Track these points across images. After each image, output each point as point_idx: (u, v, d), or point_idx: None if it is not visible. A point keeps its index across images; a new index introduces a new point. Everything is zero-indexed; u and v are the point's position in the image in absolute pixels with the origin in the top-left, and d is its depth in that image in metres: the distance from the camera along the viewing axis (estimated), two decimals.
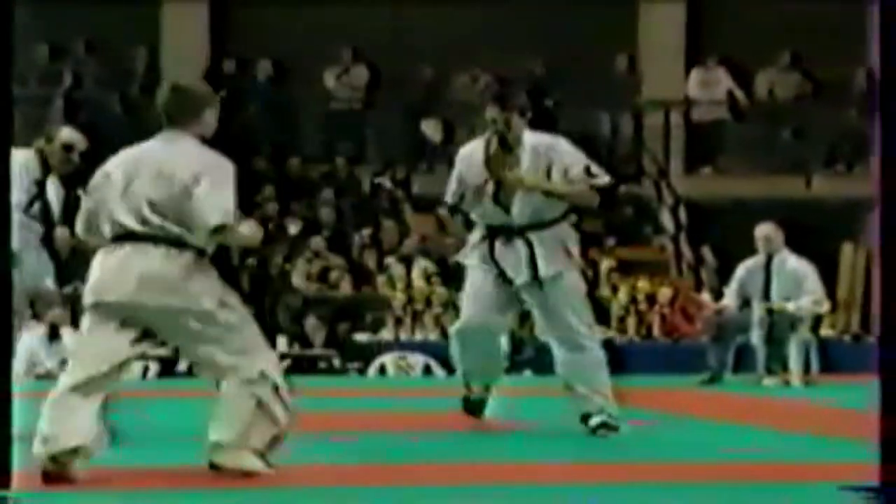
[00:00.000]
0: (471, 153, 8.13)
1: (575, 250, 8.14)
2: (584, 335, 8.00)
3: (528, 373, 16.61)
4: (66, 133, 7.73)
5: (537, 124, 8.22)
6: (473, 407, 8.29)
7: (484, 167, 7.98)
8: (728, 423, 9.21)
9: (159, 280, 5.76)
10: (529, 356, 16.76)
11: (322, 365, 17.00)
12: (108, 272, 5.83)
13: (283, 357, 16.99)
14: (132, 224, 5.81)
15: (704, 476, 5.96)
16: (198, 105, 6.02)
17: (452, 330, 8.16)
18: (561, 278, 7.95)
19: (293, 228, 19.00)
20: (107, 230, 5.89)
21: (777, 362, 13.44)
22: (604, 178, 8.04)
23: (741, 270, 13.77)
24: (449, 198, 8.24)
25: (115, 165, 5.96)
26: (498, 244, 7.95)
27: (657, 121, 19.67)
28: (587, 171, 8.03)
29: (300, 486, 5.60)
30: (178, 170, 5.80)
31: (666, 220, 19.30)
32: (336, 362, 16.92)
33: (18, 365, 16.08)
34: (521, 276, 7.87)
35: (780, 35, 19.50)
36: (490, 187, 7.91)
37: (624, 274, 17.90)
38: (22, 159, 7.43)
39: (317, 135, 20.18)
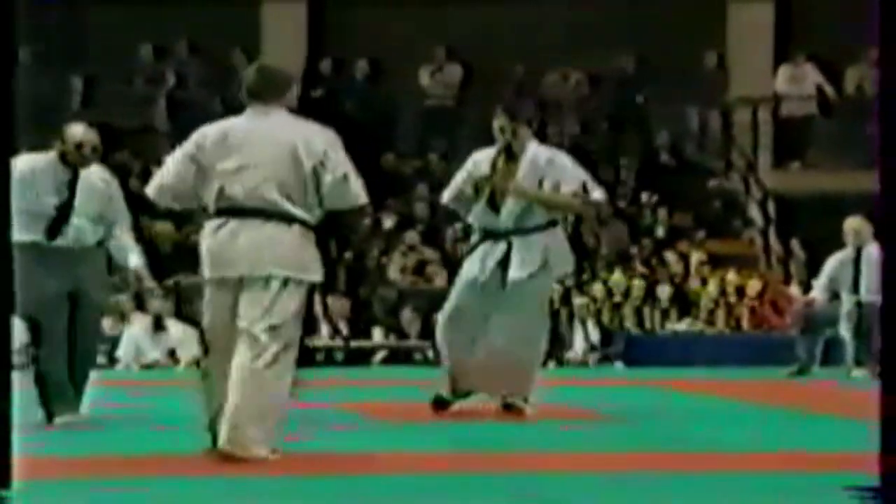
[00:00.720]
0: (483, 159, 8.40)
1: (560, 259, 8.28)
2: (523, 337, 8.17)
3: (619, 364, 16.57)
4: (77, 130, 7.78)
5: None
6: (442, 403, 8.42)
7: (490, 170, 8.24)
8: (816, 413, 9.13)
9: (274, 251, 5.87)
10: (619, 349, 16.72)
11: (417, 356, 17.07)
12: (222, 246, 5.92)
13: (379, 348, 17.11)
14: (243, 199, 5.89)
15: (786, 465, 5.93)
16: (285, 83, 6.16)
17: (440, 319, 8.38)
18: (525, 284, 8.15)
19: (388, 223, 19.09)
20: (211, 202, 5.97)
21: (866, 354, 13.30)
22: (599, 194, 8.20)
23: (830, 263, 13.64)
24: (446, 197, 8.57)
25: (219, 139, 6.00)
26: (486, 245, 8.25)
27: (746, 116, 19.52)
28: (583, 187, 8.24)
29: (398, 473, 5.64)
30: (298, 147, 5.92)
31: (755, 213, 19.15)
32: (431, 353, 16.97)
33: (125, 355, 16.33)
34: (483, 276, 8.18)
35: (869, 31, 19.25)
36: (487, 190, 8.21)
37: (713, 267, 17.80)
38: (44, 164, 7.54)
39: (411, 131, 20.26)
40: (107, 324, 17.07)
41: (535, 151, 8.26)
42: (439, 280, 18.06)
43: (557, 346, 16.73)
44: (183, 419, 8.01)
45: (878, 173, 4.48)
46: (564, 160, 8.30)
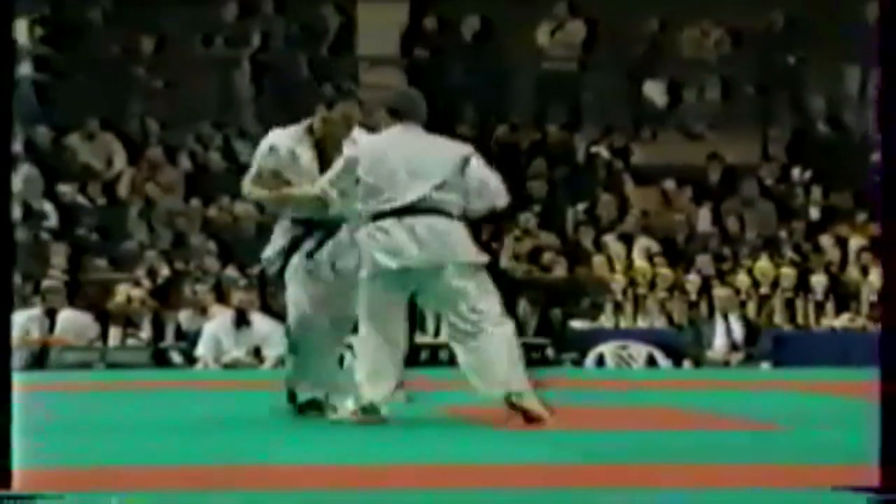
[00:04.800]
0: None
1: None
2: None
3: (765, 365, 16.41)
4: None
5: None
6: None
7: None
8: None
9: (450, 242, 7.79)
10: (766, 347, 16.56)
11: (534, 355, 17.01)
12: (405, 240, 7.74)
13: None
14: (415, 199, 7.74)
15: None
16: (422, 106, 8.03)
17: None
18: None
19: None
20: (379, 204, 7.75)
21: None
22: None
23: None
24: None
25: (383, 150, 7.85)
26: None
27: None
28: None
29: (507, 487, 5.61)
30: (448, 155, 7.90)
31: None
32: (549, 352, 16.93)
33: (204, 353, 16.46)
34: None
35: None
36: None
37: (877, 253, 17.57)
38: None
39: (527, 99, 20.21)
40: (183, 318, 17.24)
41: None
42: (559, 269, 18.00)
43: (695, 344, 16.61)
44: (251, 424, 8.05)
45: (880, 170, 4.42)
46: None
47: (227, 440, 7.37)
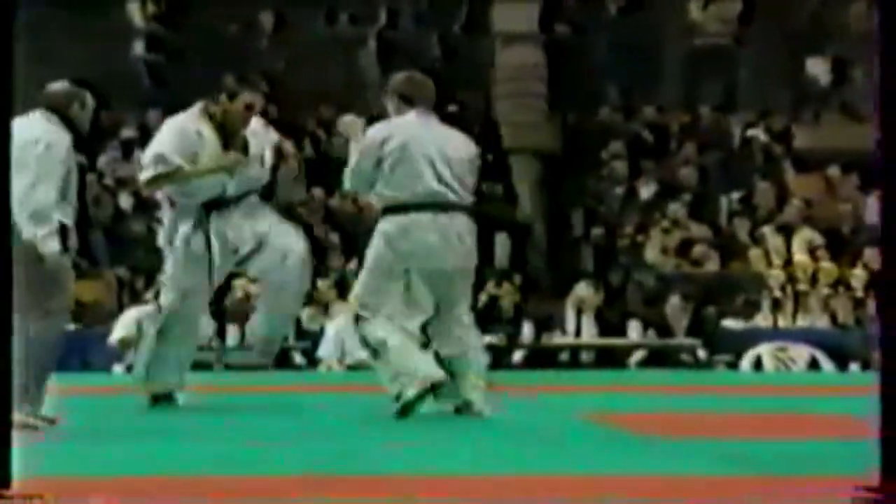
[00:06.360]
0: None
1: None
2: None
3: None
4: None
5: None
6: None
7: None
8: None
9: (468, 244, 8.01)
10: None
11: (685, 357, 16.95)
12: (431, 240, 7.90)
13: (636, 347, 17.01)
14: (439, 195, 7.90)
15: None
16: (432, 91, 8.17)
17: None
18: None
19: (646, 192, 18.97)
20: (398, 194, 7.91)
21: None
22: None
23: None
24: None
25: (404, 136, 7.94)
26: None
27: None
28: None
29: (660, 499, 5.55)
30: (465, 150, 8.12)
31: None
32: (701, 353, 16.83)
33: (327, 354, 16.55)
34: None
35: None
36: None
37: None
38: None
39: (677, 78, 20.11)
40: (305, 316, 17.35)
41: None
42: (711, 263, 17.87)
43: (862, 346, 16.41)
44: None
45: (881, 168, 4.42)
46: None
47: (340, 447, 7.39)
